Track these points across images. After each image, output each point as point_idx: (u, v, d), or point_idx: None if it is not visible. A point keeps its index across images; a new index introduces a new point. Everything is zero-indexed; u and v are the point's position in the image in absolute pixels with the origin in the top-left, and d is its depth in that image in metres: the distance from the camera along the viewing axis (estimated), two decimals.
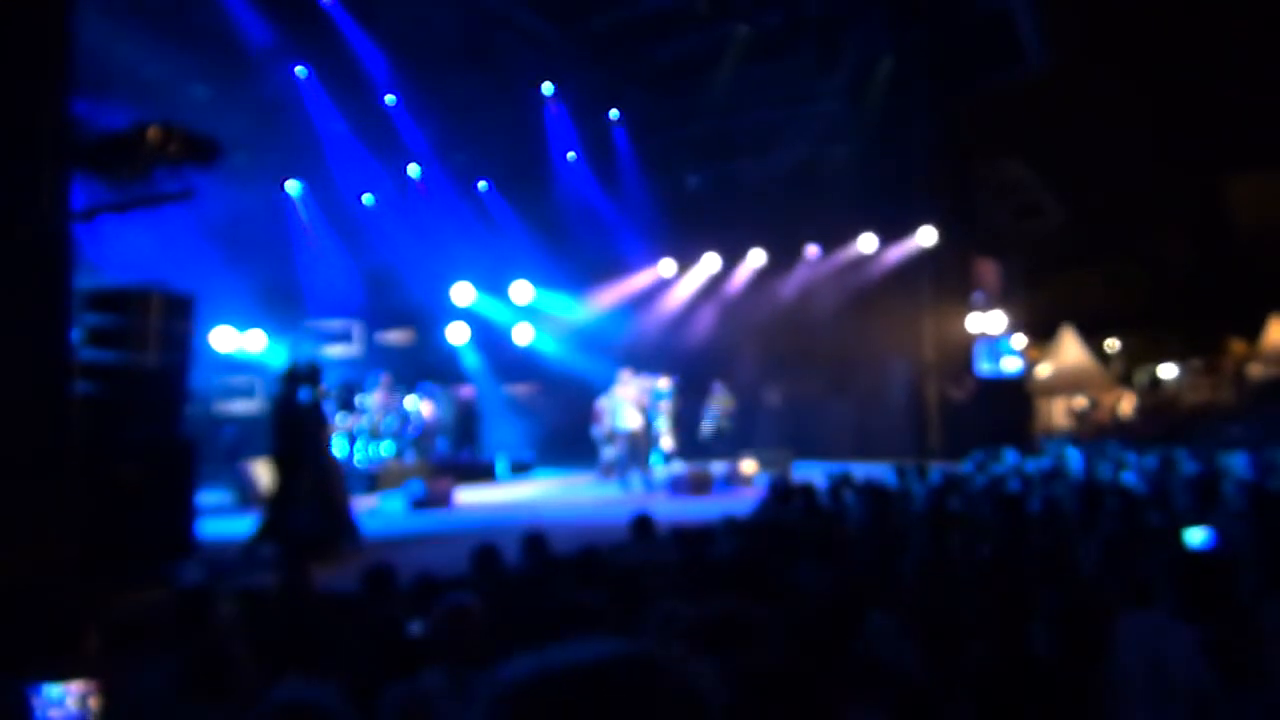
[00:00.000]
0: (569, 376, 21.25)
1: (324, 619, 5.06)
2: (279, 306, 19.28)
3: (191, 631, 4.11)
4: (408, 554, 9.24)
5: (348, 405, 15.56)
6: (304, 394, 9.35)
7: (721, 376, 19.73)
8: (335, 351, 19.92)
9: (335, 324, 20.43)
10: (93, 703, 3.04)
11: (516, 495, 15.37)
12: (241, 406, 19.52)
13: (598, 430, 16.59)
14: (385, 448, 15.99)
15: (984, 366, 22.33)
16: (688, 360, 20.09)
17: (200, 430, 11.58)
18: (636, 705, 1.12)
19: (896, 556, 4.96)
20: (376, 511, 12.97)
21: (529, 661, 1.17)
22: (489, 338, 21.63)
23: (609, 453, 16.60)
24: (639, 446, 15.53)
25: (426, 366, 20.70)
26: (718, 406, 19.00)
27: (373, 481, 14.88)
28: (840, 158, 20.96)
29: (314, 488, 9.21)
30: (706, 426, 18.90)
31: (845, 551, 4.95)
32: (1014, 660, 3.13)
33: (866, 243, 20.86)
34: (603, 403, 16.34)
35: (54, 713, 2.96)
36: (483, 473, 17.68)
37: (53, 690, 2.98)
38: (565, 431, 21.05)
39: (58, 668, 3.20)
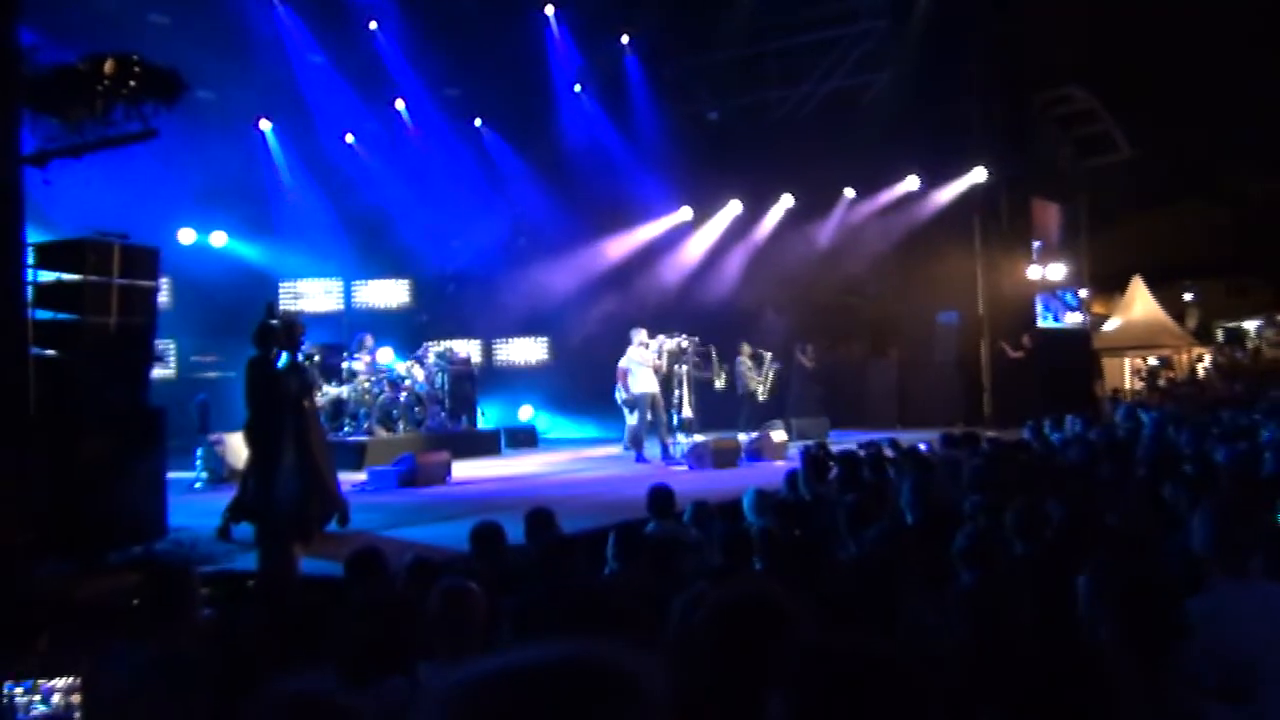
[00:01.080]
0: (580, 333, 21.29)
1: (309, 606, 5.13)
2: (255, 259, 19.36)
3: (166, 621, 4.17)
4: (400, 534, 9.31)
5: (330, 369, 15.63)
6: (282, 357, 9.39)
7: (747, 336, 19.74)
8: (316, 308, 19.99)
9: (316, 280, 20.50)
10: (75, 699, 3.09)
11: (521, 469, 15.43)
12: (214, 370, 19.66)
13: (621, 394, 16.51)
14: (374, 417, 16.09)
15: (1044, 322, 22.25)
16: (709, 318, 20.06)
17: (170, 398, 11.65)
18: (582, 710, 1.21)
19: (945, 535, 4.97)
20: (364, 488, 13.07)
21: (481, 664, 1.26)
22: (482, 292, 21.66)
23: (631, 421, 16.62)
24: (656, 414, 15.57)
25: (419, 326, 20.76)
26: (746, 369, 19.00)
27: (360, 455, 14.99)
28: (881, 87, 20.78)
29: (295, 462, 9.27)
30: (756, 387, 18.47)
31: (888, 529, 4.97)
32: (1071, 652, 3.14)
33: (910, 184, 20.73)
34: (623, 364, 16.38)
35: (34, 711, 3.02)
36: (483, 445, 17.76)
37: (26, 688, 3.03)
38: (578, 395, 21.13)
39: (14, 664, 3.25)
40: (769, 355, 19.00)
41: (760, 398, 18.52)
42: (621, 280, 21.59)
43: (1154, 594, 3.22)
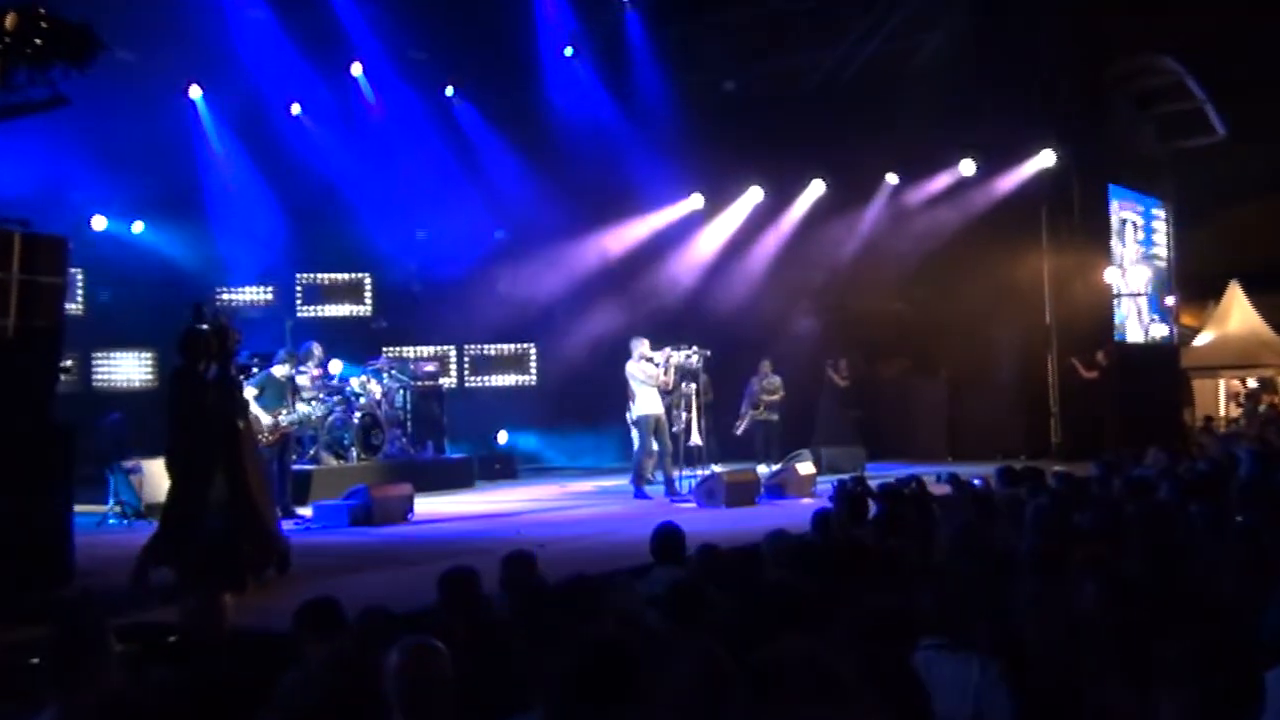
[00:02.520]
0: (570, 343, 21.32)
1: (243, 666, 5.12)
2: (179, 251, 19.35)
3: (71, 684, 4.17)
4: (353, 582, 9.28)
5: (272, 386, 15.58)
6: (211, 370, 9.40)
7: (769, 350, 19.76)
8: (253, 308, 20.00)
9: (252, 277, 20.50)
10: None
11: (498, 506, 15.41)
12: (131, 384, 19.65)
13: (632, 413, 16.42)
14: (321, 442, 16.10)
15: (1123, 335, 22.27)
16: (724, 327, 20.09)
17: (77, 416, 11.65)
18: None
19: (1003, 589, 4.97)
20: (309, 526, 13.05)
21: None
22: (454, 293, 21.68)
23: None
24: (660, 441, 15.58)
25: (377, 333, 20.76)
26: (764, 390, 19.04)
27: (304, 487, 14.99)
28: (930, 52, 20.84)
29: (226, 494, 9.27)
30: (752, 416, 18.91)
31: (936, 581, 4.97)
32: None
33: (965, 169, 20.78)
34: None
35: None
36: (452, 476, 17.76)
37: None
38: (566, 417, 21.11)
39: None
40: (777, 381, 19.02)
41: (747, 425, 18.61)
42: (620, 281, 21.60)
43: (1230, 666, 3.24)
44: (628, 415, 15.92)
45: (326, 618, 5.22)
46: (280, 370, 14.37)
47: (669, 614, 5.20)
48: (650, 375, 15.53)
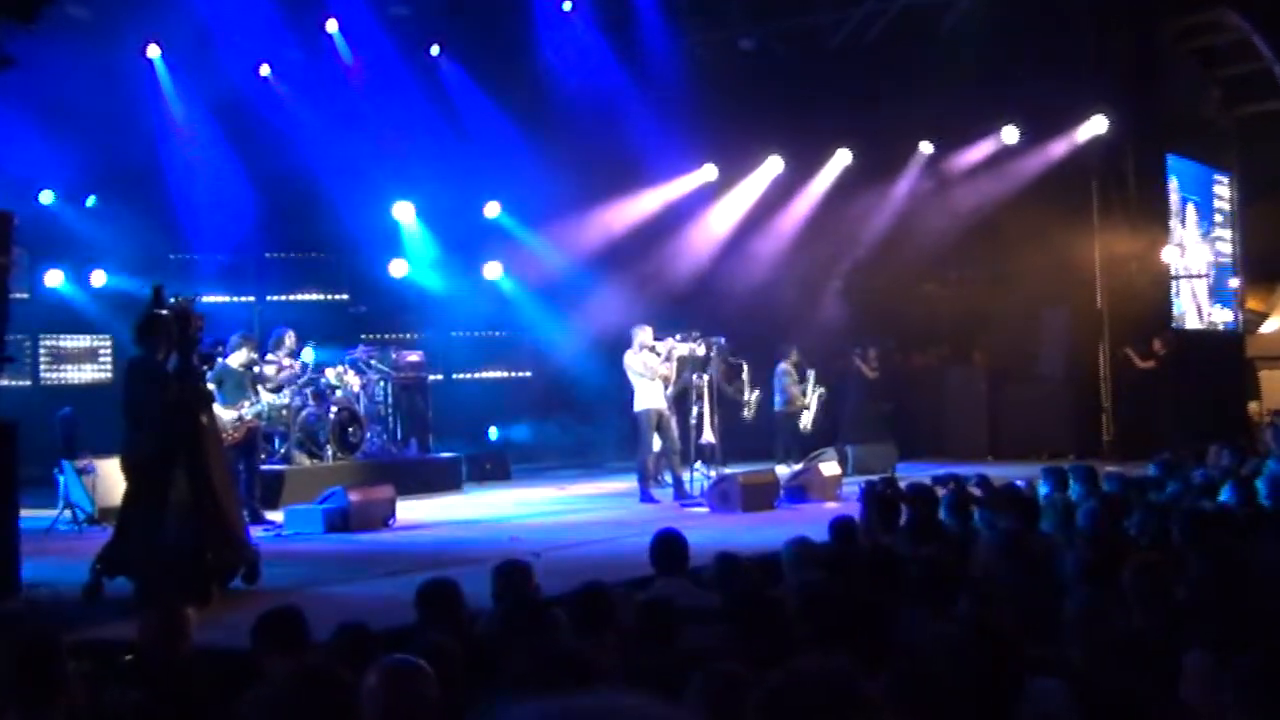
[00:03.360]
0: (569, 331, 21.31)
1: (206, 687, 5.13)
2: (137, 230, 19.33)
3: (23, 707, 4.18)
4: (328, 594, 9.32)
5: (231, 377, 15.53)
6: (172, 359, 9.40)
7: (790, 336, 19.75)
8: (220, 294, 19.99)
9: (218, 258, 20.49)
10: None
11: (489, 510, 15.42)
12: (83, 376, 19.64)
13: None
14: (294, 439, 16.11)
15: (1182, 322, 22.23)
16: (739, 313, 20.08)
17: (24, 411, 11.66)
18: None
19: (1050, 603, 4.97)
20: (280, 533, 13.07)
21: None
22: (447, 278, 21.69)
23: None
24: (666, 439, 15.58)
25: (355, 320, 20.76)
26: (791, 381, 19.02)
27: (275, 490, 15.00)
28: (967, 6, 20.77)
29: (187, 497, 9.28)
30: (800, 408, 18.77)
31: (977, 593, 4.98)
32: None
33: (1008, 136, 20.74)
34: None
35: None
36: (439, 476, 17.78)
37: None
38: (565, 412, 21.11)
39: None
40: (813, 372, 19.01)
41: (804, 425, 18.58)
42: (624, 261, 21.55)
43: None
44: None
45: (288, 630, 5.23)
46: (237, 359, 14.33)
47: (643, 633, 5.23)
48: (650, 367, 15.52)
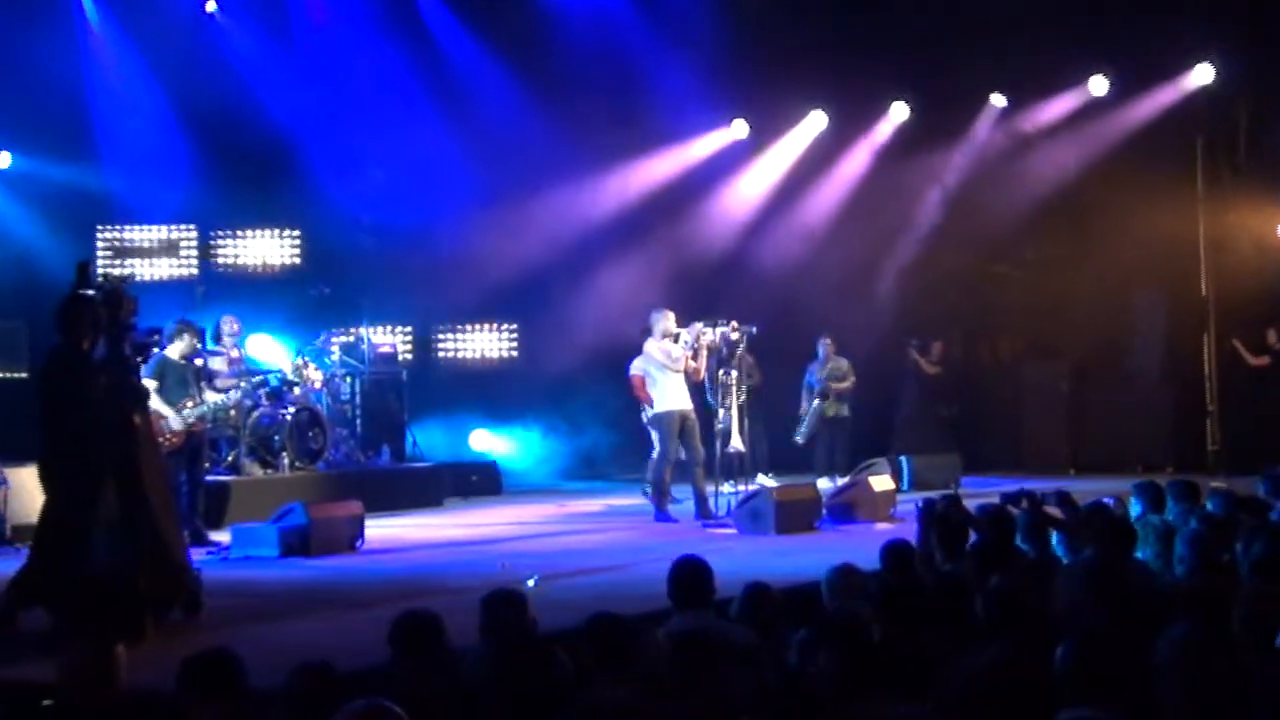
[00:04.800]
0: (570, 317, 21.29)
1: None
2: (59, 196, 19.35)
3: None
4: (284, 629, 9.33)
5: (172, 372, 15.52)
6: (100, 348, 9.40)
7: (833, 326, 19.71)
8: (156, 271, 20.00)
9: (153, 230, 20.49)
10: None
11: (475, 530, 15.44)
12: None
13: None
14: (243, 445, 16.11)
15: None
16: (774, 297, 20.05)
17: None
18: None
19: (1146, 642, 4.93)
20: (227, 556, 13.06)
21: None
22: (420, 251, 21.68)
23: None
24: (689, 446, 15.54)
25: (316, 302, 20.75)
26: (830, 376, 19.02)
27: (221, 505, 15.00)
28: None
29: (118, 514, 9.28)
30: (819, 411, 18.93)
31: (1056, 633, 4.94)
32: None
33: (1095, 88, 20.66)
34: (638, 366, 16.47)
35: None
36: (416, 490, 17.81)
37: None
38: (566, 414, 21.10)
39: None
40: (845, 365, 19.02)
41: (799, 432, 18.63)
42: (638, 236, 21.59)
43: None
44: (643, 414, 15.93)
45: (218, 675, 5.21)
46: (177, 349, 14.33)
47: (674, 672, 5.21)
48: (674, 359, 15.49)
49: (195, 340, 14.73)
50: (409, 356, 21.42)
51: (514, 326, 22.45)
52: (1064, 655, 4.71)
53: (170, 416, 13.74)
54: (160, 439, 12.28)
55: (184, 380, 14.24)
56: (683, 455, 15.65)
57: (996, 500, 10.17)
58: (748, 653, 5.84)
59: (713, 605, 7.04)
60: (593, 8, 21.49)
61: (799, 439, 19.30)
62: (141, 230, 20.40)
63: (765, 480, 17.43)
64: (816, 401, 19.02)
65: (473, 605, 6.50)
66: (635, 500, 16.82)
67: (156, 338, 14.44)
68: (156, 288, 18.77)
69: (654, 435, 15.78)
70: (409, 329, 21.98)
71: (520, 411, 21.70)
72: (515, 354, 22.52)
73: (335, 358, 17.88)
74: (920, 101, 21.41)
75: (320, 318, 19.87)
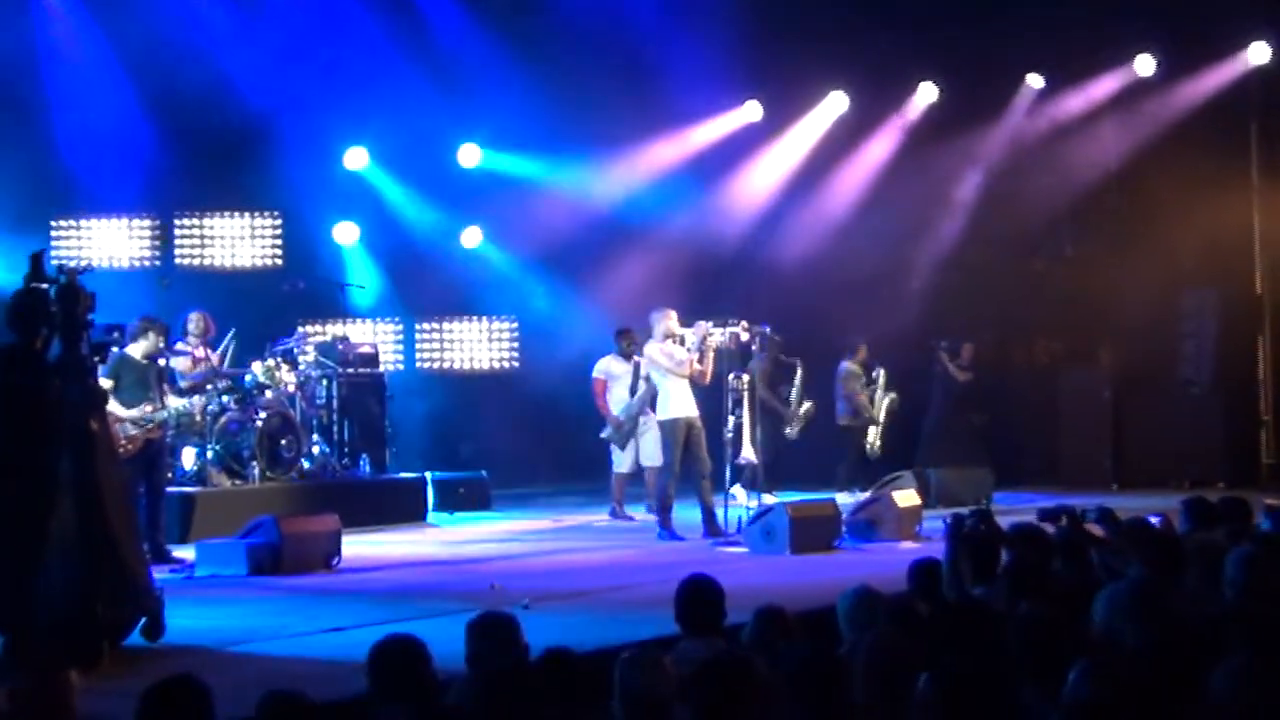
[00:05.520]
0: (568, 316, 21.29)
1: None
2: (9, 180, 19.35)
3: None
4: (251, 655, 9.29)
5: (130, 372, 15.50)
6: (54, 348, 9.39)
7: (856, 328, 19.70)
8: (115, 261, 19.99)
9: (113, 222, 20.49)
10: None
11: (463, 547, 15.44)
12: None
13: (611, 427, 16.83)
14: (210, 454, 16.08)
15: None
16: (790, 294, 20.03)
17: None
18: None
19: (1195, 674, 4.92)
20: (191, 575, 13.05)
21: None
22: (404, 243, 21.65)
23: (621, 463, 17.02)
24: (695, 457, 15.54)
25: (290, 299, 20.75)
26: (856, 385, 19.02)
27: (184, 518, 15.00)
28: None
29: (73, 529, 9.26)
30: (870, 425, 18.96)
31: (1096, 663, 4.93)
32: None
33: (1141, 68, 20.64)
34: (606, 368, 16.52)
35: None
36: (398, 503, 17.82)
37: None
38: (561, 420, 21.11)
39: None
40: (883, 372, 19.01)
41: (870, 444, 18.61)
42: (642, 226, 21.58)
43: None
44: (605, 430, 16.07)
45: (181, 706, 5.20)
46: (139, 348, 14.29)
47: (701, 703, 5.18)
48: (679, 363, 15.48)
49: (160, 339, 14.68)
50: (393, 356, 21.36)
51: (507, 324, 22.40)
52: (1078, 679, 4.73)
53: (125, 420, 13.71)
54: (119, 445, 12.26)
55: (143, 382, 14.18)
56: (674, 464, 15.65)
57: (1032, 517, 10.15)
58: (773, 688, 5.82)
59: (723, 631, 7.04)
60: None
61: (874, 446, 19.26)
62: (100, 221, 20.39)
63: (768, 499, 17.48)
64: (807, 405, 18.97)
65: (459, 630, 6.48)
66: (637, 515, 16.86)
67: (117, 336, 14.52)
68: (116, 279, 18.72)
69: (616, 451, 15.88)
70: (392, 326, 21.96)
71: (513, 416, 21.69)
72: (509, 354, 22.50)
73: (310, 358, 17.84)
74: (950, 82, 21.41)
75: (294, 314, 19.88)
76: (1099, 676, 4.76)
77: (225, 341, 16.97)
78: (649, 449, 17.19)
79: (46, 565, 9.17)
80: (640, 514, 17.45)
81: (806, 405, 18.64)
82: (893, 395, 19.06)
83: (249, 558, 13.06)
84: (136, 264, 20.39)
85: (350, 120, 21.19)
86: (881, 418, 18.98)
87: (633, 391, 17.32)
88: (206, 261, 20.96)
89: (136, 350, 14.25)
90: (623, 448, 17.51)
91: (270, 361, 16.91)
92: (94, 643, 8.89)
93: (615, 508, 17.67)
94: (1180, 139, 20.18)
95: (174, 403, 14.54)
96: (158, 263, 20.46)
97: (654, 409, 16.41)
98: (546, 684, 5.60)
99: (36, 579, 9.14)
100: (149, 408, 14.06)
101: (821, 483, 18.61)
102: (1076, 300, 21.42)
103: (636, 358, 17.08)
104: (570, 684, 5.66)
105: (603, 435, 17.54)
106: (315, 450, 17.66)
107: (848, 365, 19.18)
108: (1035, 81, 21.23)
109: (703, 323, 15.71)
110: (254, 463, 16.39)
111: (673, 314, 15.79)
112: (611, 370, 17.61)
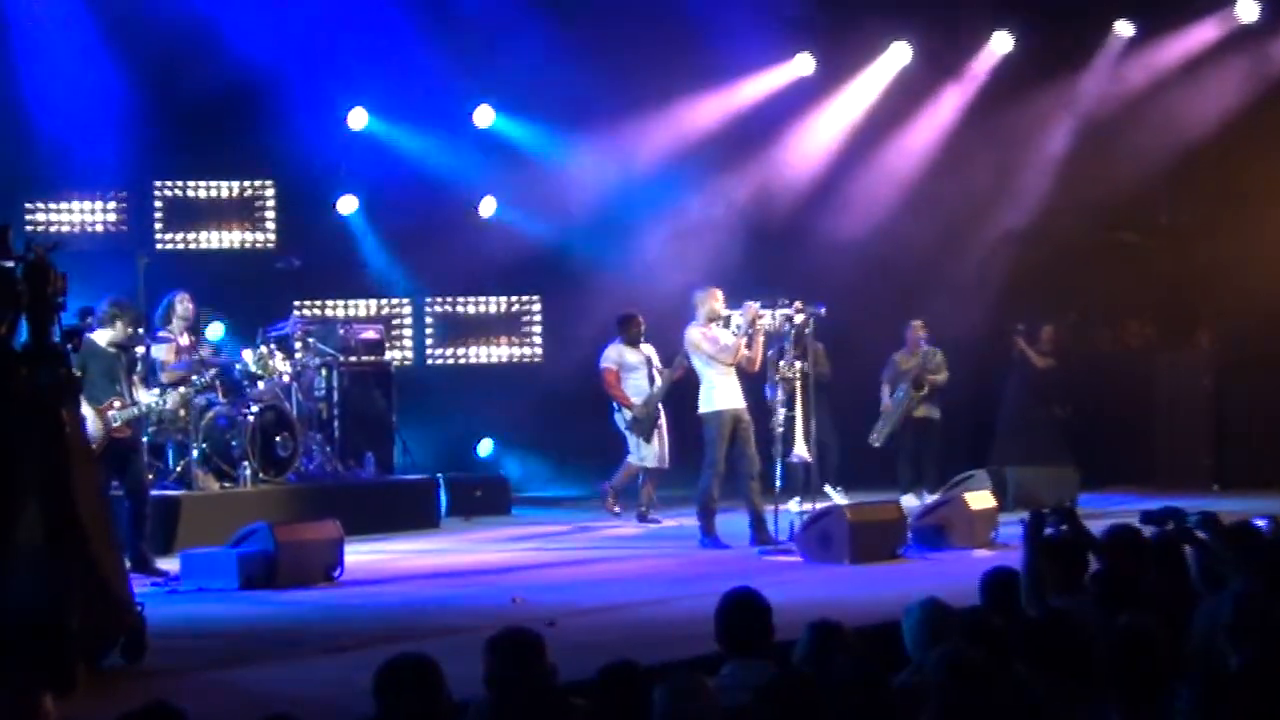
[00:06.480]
0: (598, 296, 21.31)
1: None
2: None
3: None
4: (244, 677, 9.35)
5: (97, 362, 15.51)
6: (21, 335, 9.43)
7: (920, 305, 19.68)
8: (87, 235, 20.04)
9: (85, 204, 20.54)
10: None
11: (479, 556, 15.51)
12: None
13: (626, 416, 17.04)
14: (195, 453, 16.11)
15: None
16: (847, 271, 20.03)
17: None
18: None
19: None
20: (176, 588, 13.09)
21: None
22: (414, 214, 21.68)
23: (646, 457, 17.31)
24: (741, 454, 15.53)
25: (285, 279, 20.80)
26: (923, 368, 19.00)
27: (169, 525, 15.05)
28: None
29: (42, 537, 9.30)
30: (904, 407, 18.94)
31: (1197, 683, 4.92)
32: None
33: (1244, 12, 20.55)
34: (618, 357, 16.69)
35: None
36: (407, 507, 17.87)
37: None
38: (589, 413, 21.12)
39: None
40: (940, 357, 19.00)
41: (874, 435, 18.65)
42: (678, 194, 21.56)
43: None
44: (619, 416, 16.08)
45: None
46: (105, 335, 14.27)
47: None
48: (724, 349, 15.49)
49: (130, 326, 14.62)
50: (402, 342, 21.39)
51: (529, 302, 22.43)
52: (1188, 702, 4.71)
53: (90, 417, 13.57)
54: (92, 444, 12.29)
55: (111, 374, 14.10)
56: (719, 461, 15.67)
57: (1125, 521, 10.11)
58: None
59: (772, 650, 7.02)
60: None
61: (875, 440, 19.28)
62: (70, 203, 20.46)
63: (834, 496, 17.43)
64: (902, 390, 18.91)
65: (477, 648, 6.49)
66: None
67: (89, 320, 14.50)
68: (93, 259, 18.75)
69: (631, 441, 15.97)
70: (401, 304, 22.01)
71: (538, 408, 21.69)
72: (530, 339, 22.53)
73: (308, 344, 17.86)
74: (1026, 31, 21.38)
75: (289, 296, 19.91)
76: (1203, 702, 4.75)
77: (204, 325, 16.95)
78: (664, 449, 17.34)
79: (11, 577, 9.21)
80: (632, 525, 17.63)
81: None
82: (937, 377, 19.06)
83: (240, 569, 13.10)
84: (107, 230, 20.39)
85: (353, 77, 21.19)
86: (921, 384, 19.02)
87: (650, 382, 17.41)
88: (190, 236, 21.01)
89: (103, 338, 14.14)
90: (648, 439, 17.58)
91: (263, 349, 16.94)
92: (67, 663, 8.92)
93: (641, 510, 17.76)
94: None
95: (145, 397, 14.47)
96: (127, 233, 20.46)
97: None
98: (606, 706, 5.61)
99: (2, 595, 9.19)
100: (117, 403, 14.04)
101: (886, 483, 18.61)
102: (1173, 277, 21.38)
103: (645, 346, 17.39)
104: (636, 708, 5.66)
105: (624, 425, 17.61)
106: (314, 448, 17.70)
107: (906, 355, 19.20)
108: (1124, 29, 21.15)
109: (751, 304, 15.67)
110: (245, 463, 16.42)
111: (718, 294, 15.76)
112: (626, 359, 17.74)
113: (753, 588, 7.30)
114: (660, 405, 17.50)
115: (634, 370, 17.63)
